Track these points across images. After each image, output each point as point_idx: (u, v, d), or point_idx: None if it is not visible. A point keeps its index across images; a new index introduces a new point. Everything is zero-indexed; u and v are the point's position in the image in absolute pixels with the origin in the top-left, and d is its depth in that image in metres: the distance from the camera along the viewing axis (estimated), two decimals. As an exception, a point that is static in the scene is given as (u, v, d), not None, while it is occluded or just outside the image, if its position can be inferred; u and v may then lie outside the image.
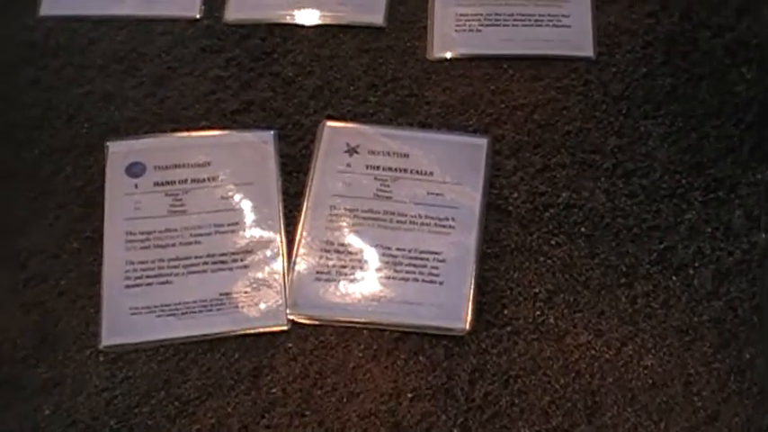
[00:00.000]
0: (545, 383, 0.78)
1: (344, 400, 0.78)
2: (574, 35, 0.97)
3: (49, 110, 0.93)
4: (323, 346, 0.80)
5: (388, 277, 0.82)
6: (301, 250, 0.84)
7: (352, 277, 0.83)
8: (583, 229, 0.86)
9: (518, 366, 0.79)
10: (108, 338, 0.80)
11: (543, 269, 0.84)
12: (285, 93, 0.94)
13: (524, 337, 0.80)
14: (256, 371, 0.79)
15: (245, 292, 0.82)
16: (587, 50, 0.96)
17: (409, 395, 0.78)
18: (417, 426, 0.77)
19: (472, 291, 0.82)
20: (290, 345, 0.80)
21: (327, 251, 0.84)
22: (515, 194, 0.87)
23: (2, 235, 0.86)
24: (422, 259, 0.83)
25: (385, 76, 0.95)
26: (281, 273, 0.83)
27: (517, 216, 0.86)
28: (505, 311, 0.82)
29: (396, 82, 0.94)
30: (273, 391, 0.78)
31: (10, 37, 0.98)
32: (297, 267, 0.83)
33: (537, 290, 0.83)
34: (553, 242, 0.85)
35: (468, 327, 0.80)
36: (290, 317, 0.81)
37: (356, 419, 0.77)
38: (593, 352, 0.80)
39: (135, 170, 0.87)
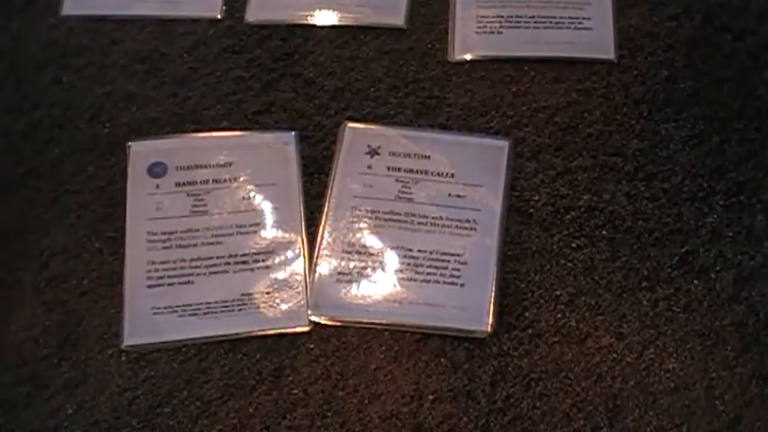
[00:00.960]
0: (566, 386, 0.78)
1: (366, 401, 0.78)
2: (595, 38, 0.97)
3: (70, 109, 0.93)
4: (344, 347, 0.80)
5: (410, 279, 0.83)
6: (323, 252, 0.84)
7: (373, 279, 0.83)
8: (604, 233, 0.86)
9: (539, 369, 0.79)
10: (130, 338, 0.80)
11: (564, 272, 0.84)
12: (306, 94, 0.94)
13: (546, 339, 0.81)
14: (278, 371, 0.79)
15: (267, 293, 0.82)
16: (608, 53, 0.96)
17: (431, 397, 0.78)
18: (439, 428, 0.77)
19: (493, 293, 0.82)
20: (311, 346, 0.80)
21: (349, 252, 0.84)
22: (536, 197, 0.87)
23: (24, 234, 0.86)
24: (443, 261, 0.83)
25: (406, 77, 0.95)
26: (303, 274, 0.83)
27: (538, 219, 0.86)
28: (527, 314, 0.82)
29: (417, 84, 0.95)
30: (295, 391, 0.78)
31: (32, 36, 0.99)
32: (318, 269, 0.83)
33: (558, 292, 0.83)
34: (574, 245, 0.85)
35: (489, 329, 0.80)
36: (312, 318, 0.81)
37: (378, 421, 0.77)
38: (614, 355, 0.80)
39: (157, 170, 0.87)
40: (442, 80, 0.95)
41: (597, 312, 0.82)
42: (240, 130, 0.91)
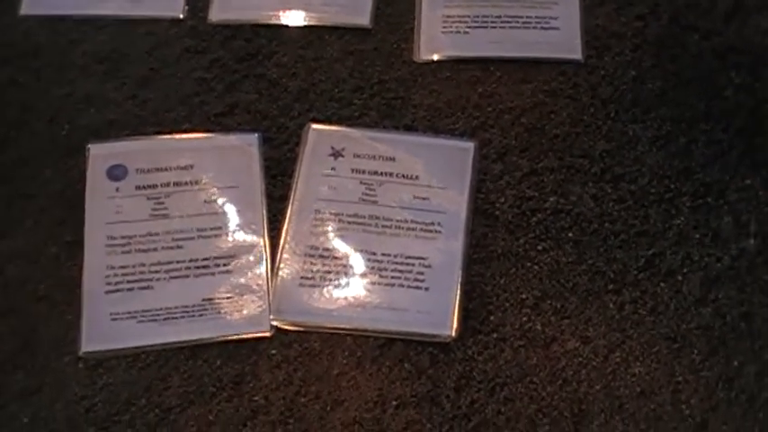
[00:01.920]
0: (532, 391, 0.78)
1: (328, 407, 0.77)
2: (562, 38, 0.96)
3: (27, 111, 0.91)
4: (306, 352, 0.79)
5: (374, 283, 0.81)
6: (285, 255, 0.82)
7: (336, 283, 0.81)
8: (570, 235, 0.85)
9: (504, 374, 0.78)
10: (87, 344, 0.79)
11: (530, 275, 0.83)
12: (270, 95, 0.93)
13: (511, 343, 0.80)
14: (239, 378, 0.78)
15: (228, 298, 0.81)
16: (576, 53, 0.95)
17: (394, 403, 0.77)
18: (402, 434, 0.76)
19: (458, 297, 0.81)
20: (273, 351, 0.79)
21: (312, 256, 0.82)
22: (502, 199, 0.86)
23: (-21, 239, 0.85)
24: (408, 265, 0.82)
25: (371, 78, 0.94)
26: (265, 278, 0.82)
27: (504, 221, 0.85)
28: (492, 318, 0.81)
29: (382, 84, 0.93)
30: (256, 398, 0.77)
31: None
32: (281, 273, 0.82)
33: (524, 296, 0.82)
34: (540, 247, 0.84)
35: (454, 334, 0.79)
36: (274, 323, 0.80)
37: (340, 428, 0.76)
38: (580, 359, 0.79)
39: (116, 173, 0.85)
40: (408, 81, 0.94)
41: (563, 316, 0.81)
42: (202, 132, 0.90)
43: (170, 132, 0.90)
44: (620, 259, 0.84)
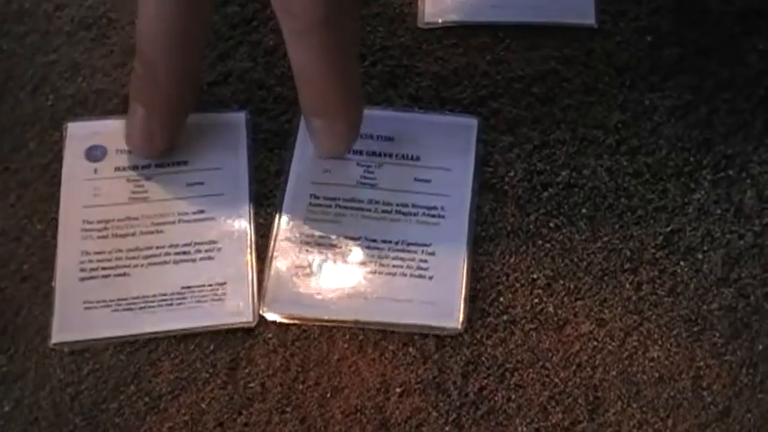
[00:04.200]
0: (544, 377, 0.73)
1: (328, 395, 0.72)
2: (575, 1, 0.91)
3: (10, 80, 0.86)
4: (305, 336, 0.74)
5: (374, 272, 0.76)
6: (279, 243, 0.77)
7: (334, 272, 0.76)
8: (584, 211, 0.80)
9: (515, 359, 0.74)
10: (58, 335, 0.74)
11: (542, 253, 0.78)
12: (266, 63, 0.87)
13: (521, 326, 0.75)
14: (233, 363, 0.73)
15: (209, 286, 0.75)
16: (589, 18, 0.90)
17: (398, 390, 0.72)
18: (406, 423, 0.71)
19: (464, 286, 0.75)
20: (269, 335, 0.74)
21: (308, 243, 0.77)
22: (512, 173, 0.81)
23: (-41, 216, 0.80)
24: (410, 252, 0.77)
25: (373, 45, 0.89)
26: (251, 265, 0.76)
27: (513, 196, 0.80)
28: (501, 299, 0.76)
29: (384, 51, 0.88)
30: (252, 385, 0.73)
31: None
32: (274, 261, 0.76)
33: (535, 276, 0.77)
34: (552, 224, 0.79)
35: (460, 326, 0.74)
36: (267, 316, 0.75)
37: (340, 416, 0.71)
38: (595, 343, 0.74)
39: (95, 154, 0.80)
40: (412, 48, 0.89)
41: (576, 297, 0.76)
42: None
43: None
44: (636, 236, 0.79)
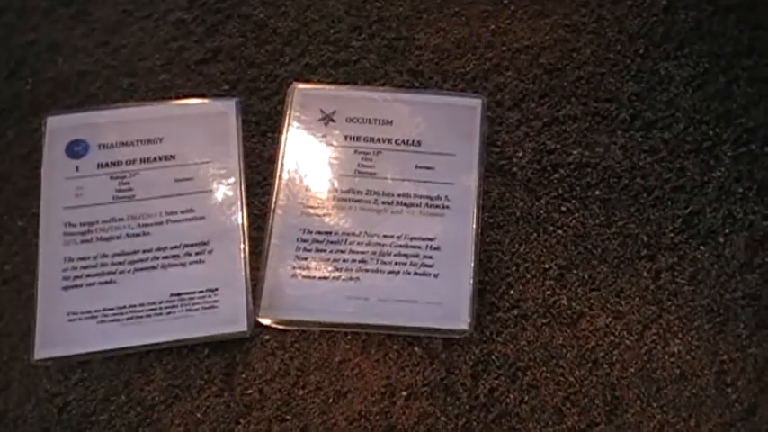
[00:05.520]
0: (558, 376, 0.65)
1: (330, 400, 0.64)
2: (583, -37, 0.81)
3: (-14, 63, 0.77)
4: (305, 337, 0.66)
5: (375, 270, 0.67)
6: (273, 241, 0.68)
7: (332, 272, 0.67)
8: (597, 193, 0.71)
9: (527, 357, 0.65)
10: (41, 350, 0.65)
11: (553, 241, 0.69)
12: (257, 38, 0.77)
13: (533, 321, 0.66)
14: (229, 368, 0.65)
15: (201, 293, 0.67)
16: (598, -19, 0.80)
17: (404, 393, 0.64)
18: (414, 429, 0.63)
19: (472, 284, 0.67)
20: (267, 337, 0.66)
21: (305, 241, 0.68)
22: (520, 153, 0.72)
23: (-65, 215, 0.71)
24: (413, 248, 0.68)
25: (370, 16, 0.78)
26: (245, 268, 0.68)
27: (522, 178, 0.71)
28: (511, 292, 0.67)
29: (382, 23, 0.78)
30: (249, 391, 0.65)
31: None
32: (268, 261, 0.67)
33: (546, 265, 0.68)
34: (564, 208, 0.70)
35: (468, 327, 0.65)
36: (261, 320, 0.66)
37: (344, 423, 0.63)
38: (611, 338, 0.66)
39: (77, 149, 0.71)
40: (411, 18, 0.78)
41: (591, 287, 0.68)
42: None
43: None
44: (653, 220, 0.70)
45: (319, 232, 0.68)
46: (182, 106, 0.73)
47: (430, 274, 0.67)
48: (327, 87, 0.74)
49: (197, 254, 0.68)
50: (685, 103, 0.74)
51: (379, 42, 0.77)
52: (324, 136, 0.71)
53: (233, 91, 0.75)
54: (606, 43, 0.77)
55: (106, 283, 0.67)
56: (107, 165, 0.70)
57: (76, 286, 0.67)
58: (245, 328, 0.66)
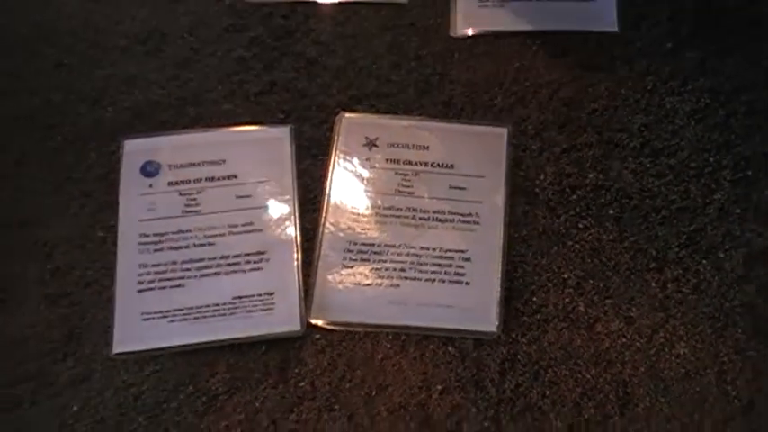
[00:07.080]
0: (576, 374, 0.67)
1: (373, 393, 0.67)
2: (597, 8, 0.84)
3: (71, 94, 0.81)
4: (350, 337, 0.69)
5: (414, 279, 0.70)
6: (323, 251, 0.71)
7: (375, 279, 0.70)
8: (611, 212, 0.74)
9: (548, 356, 0.68)
10: (119, 345, 0.69)
11: (572, 254, 0.72)
12: (308, 73, 0.81)
13: (554, 325, 0.69)
14: (284, 363, 0.68)
15: (259, 296, 0.70)
16: (611, 24, 0.83)
17: (438, 387, 0.67)
18: (448, 419, 0.66)
19: (500, 291, 0.70)
20: (317, 336, 0.69)
21: (350, 251, 0.71)
22: (542, 176, 0.75)
23: (26, 225, 0.74)
24: (447, 258, 0.71)
25: (408, 54, 0.82)
26: (298, 274, 0.71)
27: (544, 198, 0.74)
28: (534, 299, 0.70)
29: (419, 60, 0.82)
30: (301, 384, 0.68)
31: (24, 17, 0.86)
32: (318, 269, 0.71)
33: (566, 275, 0.71)
34: (581, 225, 0.73)
35: (496, 330, 0.68)
36: (312, 321, 0.69)
37: (386, 413, 0.66)
38: (624, 340, 0.69)
39: (149, 170, 0.75)
40: (445, 56, 0.82)
41: (605, 296, 0.70)
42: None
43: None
44: (661, 236, 0.73)
45: (364, 244, 0.72)
46: (242, 132, 0.77)
47: (462, 282, 0.70)
48: (371, 116, 0.78)
49: (255, 262, 0.71)
50: (689, 133, 0.77)
51: (416, 77, 0.81)
52: (367, 159, 0.75)
53: (287, 119, 0.79)
54: (618, 80, 0.80)
55: (176, 286, 0.71)
56: (177, 183, 0.74)
57: (150, 289, 0.70)
58: (298, 328, 0.69)
